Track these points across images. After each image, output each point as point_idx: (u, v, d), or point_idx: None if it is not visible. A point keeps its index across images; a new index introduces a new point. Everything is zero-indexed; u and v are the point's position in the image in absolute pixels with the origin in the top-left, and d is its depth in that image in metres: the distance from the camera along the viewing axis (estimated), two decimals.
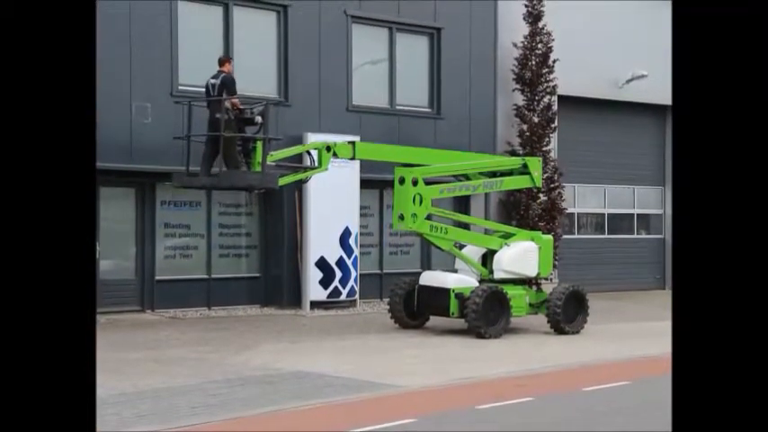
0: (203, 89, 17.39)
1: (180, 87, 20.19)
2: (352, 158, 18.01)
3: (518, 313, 18.58)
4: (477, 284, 18.26)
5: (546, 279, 21.35)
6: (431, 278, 18.82)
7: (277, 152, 17.30)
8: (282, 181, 17.06)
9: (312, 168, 17.40)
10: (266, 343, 16.66)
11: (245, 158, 16.90)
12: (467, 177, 19.45)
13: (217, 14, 21.21)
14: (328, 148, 17.26)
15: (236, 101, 16.89)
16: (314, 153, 17.38)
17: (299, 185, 19.82)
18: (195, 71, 19.71)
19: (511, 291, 18.41)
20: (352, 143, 17.79)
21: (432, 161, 18.85)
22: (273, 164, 16.98)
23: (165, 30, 20.42)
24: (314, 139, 19.96)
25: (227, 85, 16.87)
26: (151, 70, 20.16)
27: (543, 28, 25.44)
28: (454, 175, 19.45)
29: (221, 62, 17.43)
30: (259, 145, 16.79)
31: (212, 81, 17.04)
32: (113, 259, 20.66)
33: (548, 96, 25.63)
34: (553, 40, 25.36)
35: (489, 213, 25.03)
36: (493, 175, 19.63)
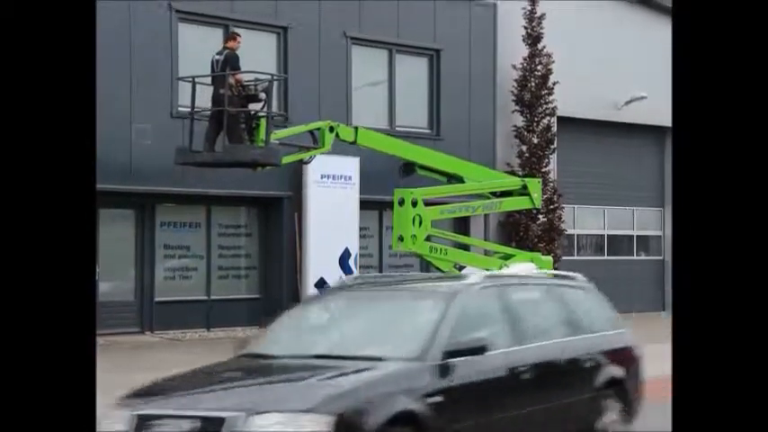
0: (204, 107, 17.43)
1: (180, 109, 20.16)
2: (353, 143, 18.05)
3: None
4: None
5: None
6: None
7: (280, 131, 17.35)
8: (285, 159, 17.14)
9: (315, 148, 17.43)
10: None
11: (248, 136, 16.87)
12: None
13: (217, 36, 21.19)
14: (331, 129, 17.34)
15: (239, 77, 16.87)
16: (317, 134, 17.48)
17: (299, 207, 19.73)
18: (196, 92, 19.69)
19: None
20: (356, 127, 17.88)
21: (430, 161, 18.94)
22: (277, 141, 17.02)
23: (166, 51, 20.45)
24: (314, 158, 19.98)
25: (232, 61, 16.85)
26: (151, 91, 20.18)
27: (543, 50, 25.50)
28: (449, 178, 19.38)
29: (226, 39, 17.42)
30: (262, 122, 16.78)
31: (217, 57, 17.02)
32: (113, 281, 20.63)
33: (547, 117, 25.66)
34: (553, 61, 25.42)
35: (489, 234, 25.01)
36: (492, 195, 19.63)
